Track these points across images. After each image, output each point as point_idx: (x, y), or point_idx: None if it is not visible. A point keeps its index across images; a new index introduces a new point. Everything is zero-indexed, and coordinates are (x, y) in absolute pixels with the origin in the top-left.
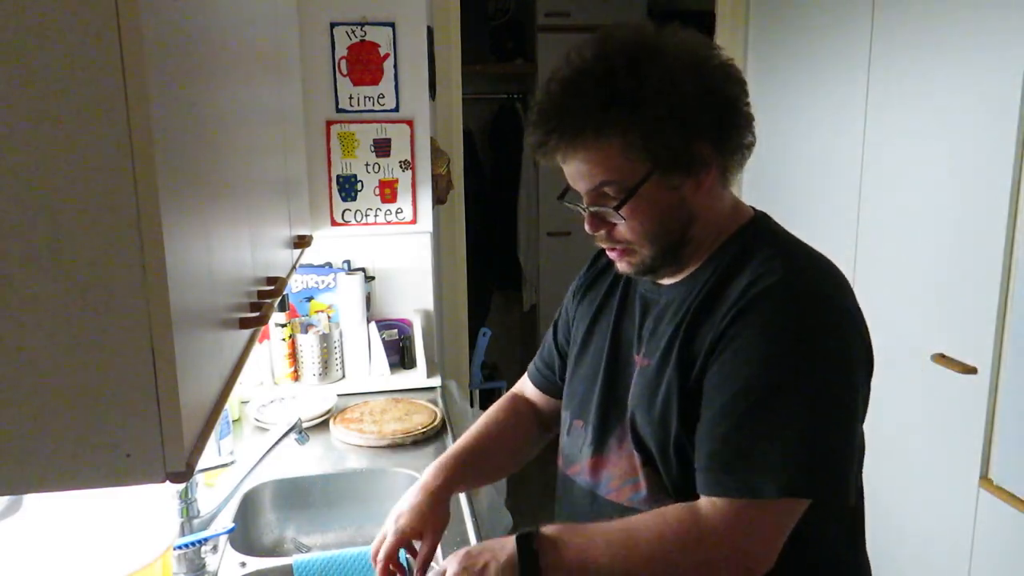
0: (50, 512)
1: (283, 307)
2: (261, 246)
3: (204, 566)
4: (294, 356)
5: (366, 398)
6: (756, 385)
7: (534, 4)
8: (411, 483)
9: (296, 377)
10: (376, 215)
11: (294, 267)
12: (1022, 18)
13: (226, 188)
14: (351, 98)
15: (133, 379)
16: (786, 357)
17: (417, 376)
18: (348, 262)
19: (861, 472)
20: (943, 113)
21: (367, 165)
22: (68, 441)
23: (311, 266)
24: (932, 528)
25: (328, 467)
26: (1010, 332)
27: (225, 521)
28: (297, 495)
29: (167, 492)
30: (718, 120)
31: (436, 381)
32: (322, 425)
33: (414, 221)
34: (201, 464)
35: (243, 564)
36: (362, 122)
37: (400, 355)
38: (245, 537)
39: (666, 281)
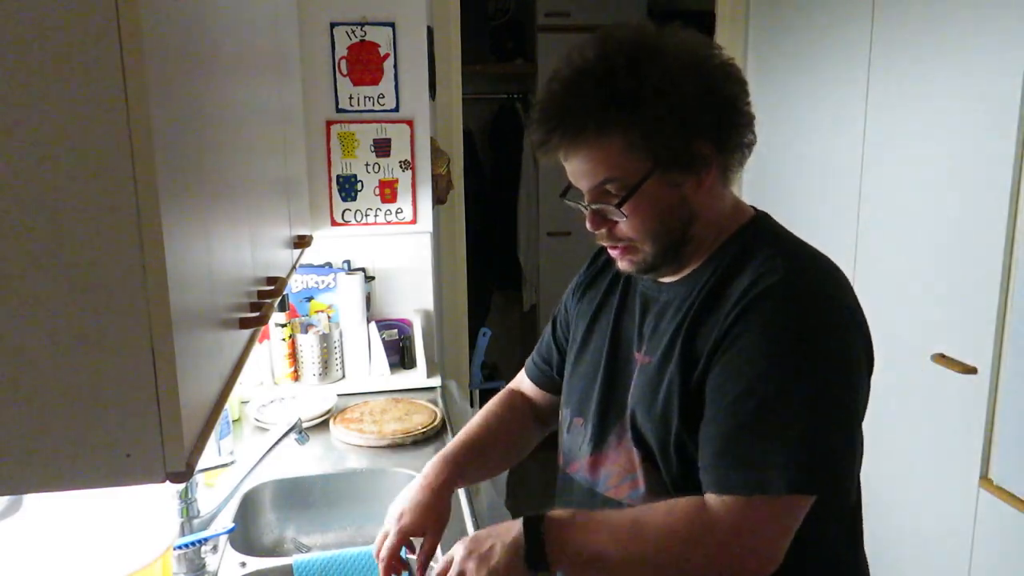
0: (50, 512)
1: (283, 307)
2: (261, 246)
3: (204, 566)
4: (294, 356)
5: (366, 398)
6: (758, 385)
7: (534, 4)
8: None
9: (296, 377)
10: (376, 215)
11: (294, 267)
12: (1022, 18)
13: (226, 188)
14: (351, 98)
15: (133, 379)
16: (788, 357)
17: (417, 376)
18: (348, 262)
19: (859, 472)
20: (943, 113)
21: (367, 165)
22: (68, 441)
23: (311, 266)
24: (932, 528)
25: (328, 467)
26: (1010, 332)
27: (225, 521)
28: (297, 495)
29: (167, 492)
30: (718, 119)
31: (436, 381)
32: (322, 425)
33: (414, 221)
34: (201, 464)
35: (243, 564)
36: (362, 122)
37: (400, 355)
38: (245, 537)
39: (667, 279)
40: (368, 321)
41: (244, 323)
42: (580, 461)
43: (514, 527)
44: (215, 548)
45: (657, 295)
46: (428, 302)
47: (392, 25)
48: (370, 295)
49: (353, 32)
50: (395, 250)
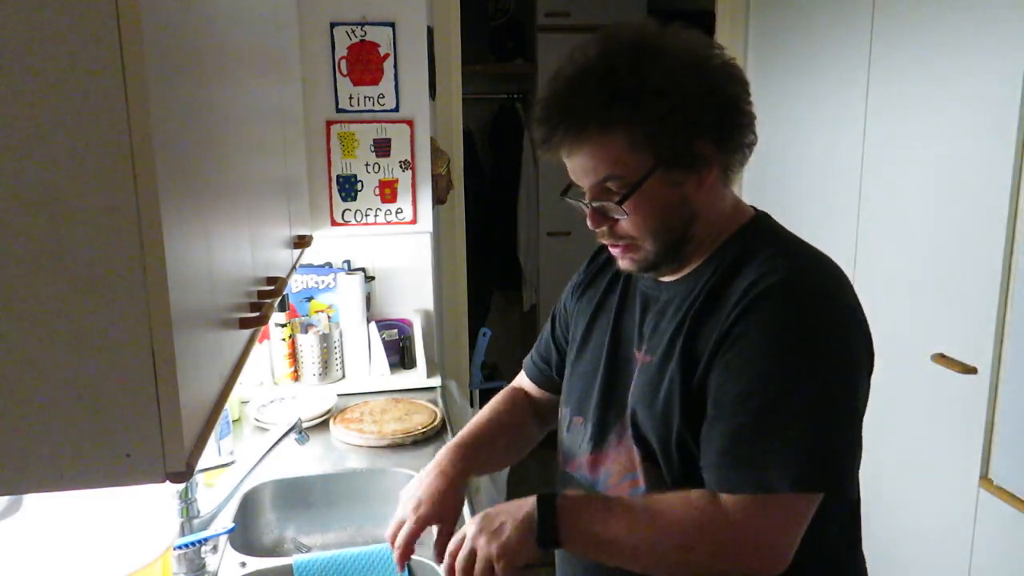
0: (50, 512)
1: (283, 307)
2: (261, 246)
3: (204, 566)
4: (294, 356)
5: (366, 398)
6: (759, 385)
7: (534, 4)
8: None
9: (296, 377)
10: (376, 215)
11: (294, 267)
12: (1022, 18)
13: (226, 188)
14: (351, 98)
15: (133, 379)
16: (788, 357)
17: (417, 376)
18: (348, 262)
19: (859, 471)
20: (943, 114)
21: (367, 165)
22: (68, 441)
23: (311, 266)
24: (932, 528)
25: (328, 467)
26: (1010, 332)
27: (225, 521)
28: (297, 495)
29: (167, 492)
30: (720, 119)
31: (436, 381)
32: (322, 425)
33: (414, 221)
34: (201, 464)
35: (243, 564)
36: (362, 122)
37: (400, 355)
38: (245, 537)
39: (667, 278)
40: (368, 321)
41: (244, 323)
42: (580, 459)
43: (525, 504)
44: (215, 548)
45: (657, 294)
46: (428, 302)
47: (392, 25)
48: (370, 295)
49: (353, 32)
50: (395, 250)
